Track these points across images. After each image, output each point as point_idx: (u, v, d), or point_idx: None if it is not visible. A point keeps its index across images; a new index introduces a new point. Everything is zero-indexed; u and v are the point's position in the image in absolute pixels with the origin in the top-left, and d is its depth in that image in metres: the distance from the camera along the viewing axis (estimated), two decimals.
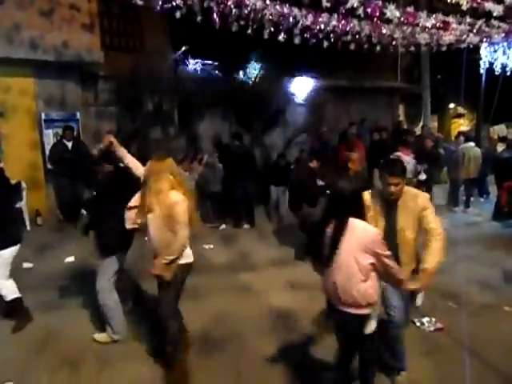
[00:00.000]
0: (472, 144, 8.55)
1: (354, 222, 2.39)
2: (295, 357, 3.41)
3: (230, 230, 7.21)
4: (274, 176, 7.82)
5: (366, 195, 2.86)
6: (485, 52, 9.88)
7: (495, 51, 9.53)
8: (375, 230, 2.45)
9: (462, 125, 19.32)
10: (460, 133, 10.41)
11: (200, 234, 6.72)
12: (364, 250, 2.33)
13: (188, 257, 3.15)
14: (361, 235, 2.35)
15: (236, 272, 5.23)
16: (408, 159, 6.15)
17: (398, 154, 6.60)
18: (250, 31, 5.91)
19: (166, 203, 2.95)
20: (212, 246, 6.24)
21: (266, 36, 6.07)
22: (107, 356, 3.46)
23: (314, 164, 5.65)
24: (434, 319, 3.87)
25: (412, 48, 7.31)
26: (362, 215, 2.46)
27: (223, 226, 7.32)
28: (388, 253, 2.39)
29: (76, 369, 3.30)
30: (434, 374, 3.14)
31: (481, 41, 7.30)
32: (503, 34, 6.92)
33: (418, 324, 3.82)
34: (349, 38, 6.63)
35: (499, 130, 15.64)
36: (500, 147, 9.05)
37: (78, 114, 7.75)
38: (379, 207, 2.89)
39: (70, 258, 5.72)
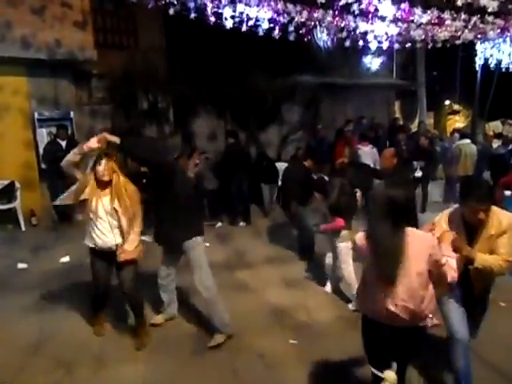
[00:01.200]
0: (468, 141, 8.55)
1: (410, 232, 2.21)
2: (292, 354, 3.40)
3: (226, 228, 7.19)
4: (261, 174, 7.82)
5: (444, 216, 2.65)
6: (480, 48, 9.90)
7: (491, 48, 9.54)
8: (432, 236, 2.29)
9: (458, 121, 19.35)
10: (455, 130, 10.44)
11: None
12: (425, 260, 2.16)
13: None
14: (421, 245, 2.18)
15: (232, 270, 5.21)
16: (367, 150, 7.35)
17: (359, 146, 7.50)
18: (244, 28, 5.91)
19: None
20: (208, 244, 6.18)
21: (260, 33, 6.07)
22: (103, 356, 3.44)
23: (309, 163, 5.61)
24: (430, 315, 3.85)
25: (407, 44, 7.32)
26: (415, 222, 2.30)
27: (219, 224, 7.29)
28: (445, 260, 2.19)
29: (71, 370, 3.27)
30: (434, 369, 3.13)
31: (476, 37, 7.29)
32: (498, 30, 6.92)
33: None
34: (344, 34, 6.65)
35: (494, 126, 15.65)
36: (495, 143, 9.04)
37: (72, 113, 7.69)
38: (458, 231, 2.55)
39: (65, 259, 5.68)
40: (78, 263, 5.45)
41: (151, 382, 3.13)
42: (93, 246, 3.43)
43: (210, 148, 8.83)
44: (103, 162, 3.23)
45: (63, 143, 7.22)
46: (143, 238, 6.16)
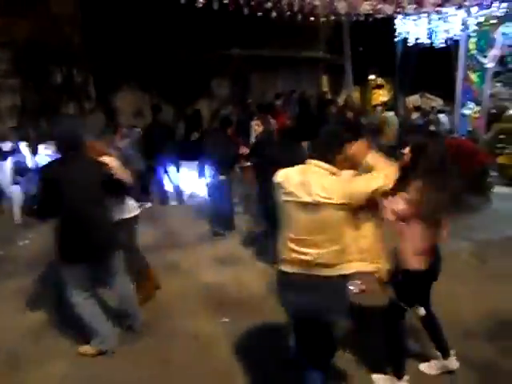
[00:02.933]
0: (391, 113, 9.00)
1: None
2: (225, 332, 3.36)
3: (157, 208, 6.91)
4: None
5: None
6: (400, 24, 10.28)
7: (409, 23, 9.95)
8: None
9: (382, 95, 20.30)
10: (376, 105, 10.96)
11: None
12: None
13: None
14: None
15: (163, 251, 5.01)
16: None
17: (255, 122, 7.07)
18: None
19: None
20: (137, 226, 5.91)
21: (182, 1, 5.72)
22: (21, 356, 3.14)
23: (230, 132, 5.53)
24: (358, 281, 4.01)
25: (332, 17, 7.36)
26: None
27: (149, 205, 6.98)
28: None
29: None
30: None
31: (395, 11, 7.55)
32: (415, 6, 7.21)
33: None
34: (269, 5, 6.49)
35: (414, 99, 16.62)
36: (414, 115, 9.60)
37: None
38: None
39: None
40: None
41: (76, 379, 2.91)
42: None
43: (136, 125, 8.37)
44: None
45: None
46: None
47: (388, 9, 6.82)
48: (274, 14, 6.57)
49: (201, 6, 5.75)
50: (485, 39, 7.88)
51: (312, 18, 7.05)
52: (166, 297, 3.92)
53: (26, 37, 6.98)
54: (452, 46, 8.52)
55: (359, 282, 3.98)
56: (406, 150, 2.62)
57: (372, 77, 19.96)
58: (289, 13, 6.65)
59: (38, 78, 7.58)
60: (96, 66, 8.26)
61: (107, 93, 8.77)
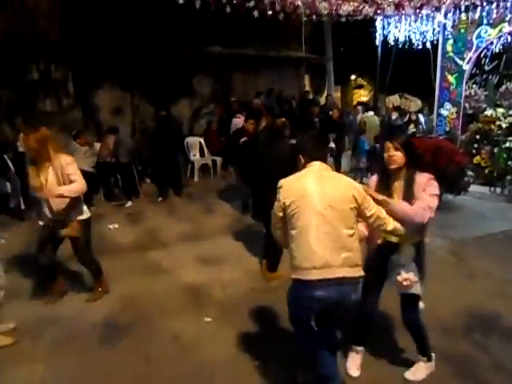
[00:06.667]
0: (371, 113, 9.10)
1: None
2: (206, 332, 3.35)
3: (138, 207, 6.81)
4: None
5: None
6: (380, 25, 10.43)
7: (388, 24, 10.10)
8: None
9: (362, 95, 20.59)
10: (358, 103, 11.06)
11: (103, 214, 6.27)
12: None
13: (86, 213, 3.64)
14: None
15: (144, 251, 4.95)
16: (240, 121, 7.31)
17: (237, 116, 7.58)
18: None
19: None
20: (117, 226, 5.84)
21: None
22: None
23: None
24: None
25: (314, 17, 7.40)
26: None
27: (129, 203, 6.88)
28: None
29: None
30: None
31: (375, 13, 7.64)
32: (394, 7, 7.31)
33: None
34: (252, 4, 6.47)
35: (394, 100, 16.91)
36: (394, 115, 9.75)
37: None
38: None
39: None
40: None
41: (54, 381, 2.84)
42: None
43: (115, 123, 8.24)
44: None
45: None
46: None
47: (369, 10, 6.90)
48: (255, 12, 6.56)
49: (182, 2, 5.69)
50: (462, 41, 8.05)
51: (294, 18, 7.08)
52: (146, 298, 3.87)
53: (1, 31, 6.76)
54: (430, 47, 8.67)
55: None
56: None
57: (353, 77, 20.24)
58: (271, 12, 6.65)
59: (13, 73, 7.36)
60: (75, 62, 8.07)
61: (86, 90, 8.59)
